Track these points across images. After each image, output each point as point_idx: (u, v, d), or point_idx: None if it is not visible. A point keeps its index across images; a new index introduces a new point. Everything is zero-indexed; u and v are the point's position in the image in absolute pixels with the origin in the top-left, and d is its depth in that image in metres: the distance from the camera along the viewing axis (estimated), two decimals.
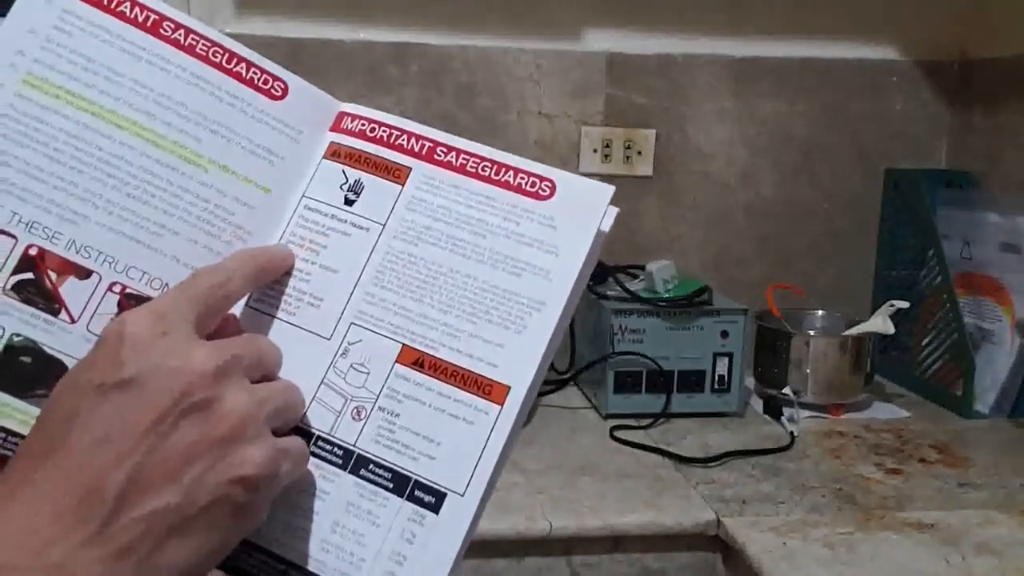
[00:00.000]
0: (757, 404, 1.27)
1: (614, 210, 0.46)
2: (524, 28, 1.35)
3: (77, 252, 0.45)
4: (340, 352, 0.46)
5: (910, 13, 1.42)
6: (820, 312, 1.36)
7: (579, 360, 1.30)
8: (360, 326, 0.46)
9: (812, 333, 1.31)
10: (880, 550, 0.86)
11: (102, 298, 0.45)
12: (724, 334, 1.19)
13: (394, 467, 0.44)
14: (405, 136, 0.49)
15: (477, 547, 0.91)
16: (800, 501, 0.97)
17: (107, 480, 0.37)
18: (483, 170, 0.47)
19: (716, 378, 1.20)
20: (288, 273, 0.47)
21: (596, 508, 0.94)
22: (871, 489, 1.00)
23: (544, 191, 0.46)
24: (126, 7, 0.46)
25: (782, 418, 1.20)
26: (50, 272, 0.45)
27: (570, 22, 1.36)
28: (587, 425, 1.19)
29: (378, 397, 0.45)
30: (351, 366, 0.46)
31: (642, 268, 1.27)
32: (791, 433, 1.15)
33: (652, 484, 1.00)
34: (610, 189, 0.46)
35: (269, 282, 0.47)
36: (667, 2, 1.37)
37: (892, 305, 1.23)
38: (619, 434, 1.14)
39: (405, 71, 1.33)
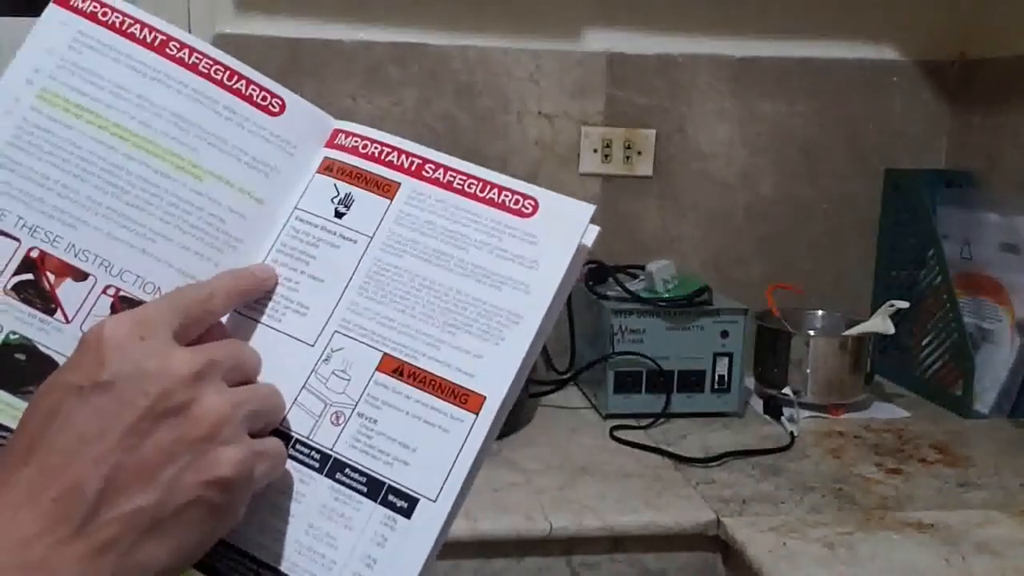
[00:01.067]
0: (757, 404, 1.27)
1: (595, 229, 0.47)
2: (524, 28, 1.35)
3: (75, 255, 0.47)
4: (323, 359, 0.47)
5: (910, 13, 1.42)
6: (820, 312, 1.36)
7: (579, 360, 1.30)
8: (343, 334, 0.47)
9: (812, 333, 1.31)
10: (880, 550, 0.86)
11: (96, 300, 0.47)
12: (724, 334, 1.19)
13: (369, 472, 0.45)
14: (396, 153, 0.51)
15: (477, 547, 0.91)
16: (800, 501, 0.97)
17: (86, 479, 0.38)
18: (469, 187, 0.49)
19: (716, 378, 1.20)
20: (278, 282, 0.49)
21: (596, 508, 0.94)
22: (871, 489, 1.00)
23: (527, 209, 0.48)
24: (136, 28, 0.49)
25: (782, 418, 1.20)
26: (49, 274, 0.47)
27: (570, 22, 1.36)
28: (587, 425, 1.19)
29: (357, 403, 0.46)
30: (333, 372, 0.47)
31: (642, 268, 1.27)
32: (791, 433, 1.15)
33: (652, 484, 1.00)
34: (590, 208, 0.47)
35: (251, 301, 0.48)
36: (667, 2, 1.37)
37: (892, 305, 1.23)
38: (619, 434, 1.14)
39: (405, 71, 1.33)
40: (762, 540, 0.88)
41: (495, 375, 0.45)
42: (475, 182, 0.49)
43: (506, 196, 0.48)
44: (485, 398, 0.45)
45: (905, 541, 0.88)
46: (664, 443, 1.12)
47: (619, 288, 1.23)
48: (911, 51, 1.43)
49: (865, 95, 1.43)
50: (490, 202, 0.48)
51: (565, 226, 0.47)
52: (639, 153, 1.39)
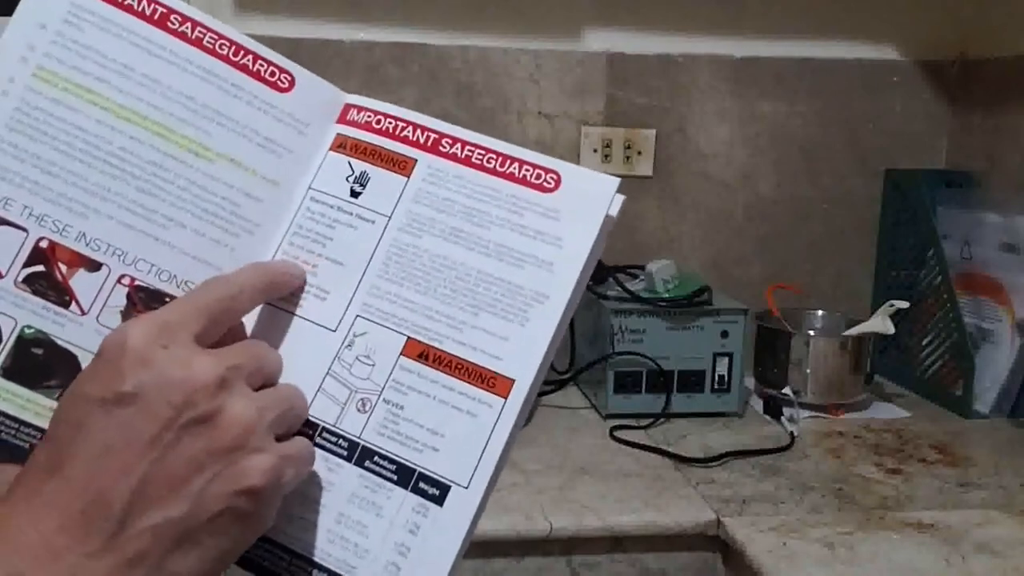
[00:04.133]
0: (757, 404, 1.26)
1: (621, 197, 0.46)
2: (524, 28, 1.35)
3: (87, 245, 0.45)
4: (346, 344, 0.46)
5: (910, 13, 1.42)
6: (820, 312, 1.36)
7: (579, 360, 1.30)
8: (366, 318, 0.46)
9: (812, 333, 1.31)
10: (880, 550, 0.86)
11: (112, 290, 0.46)
12: (724, 334, 1.19)
13: (398, 459, 0.44)
14: (411, 128, 0.49)
15: (477, 547, 0.91)
16: (800, 501, 0.97)
17: (113, 492, 0.37)
18: (488, 162, 0.47)
19: (716, 378, 1.20)
20: (305, 280, 0.47)
21: (596, 508, 0.94)
22: (871, 489, 1.00)
23: (549, 183, 0.46)
24: (134, 1, 0.46)
25: (782, 418, 1.20)
26: (60, 264, 0.45)
27: (570, 22, 1.36)
28: (587, 425, 1.19)
29: (383, 389, 0.45)
30: (356, 358, 0.46)
31: (642, 268, 1.27)
32: (791, 433, 1.15)
33: (652, 484, 1.00)
34: (615, 182, 0.46)
35: (278, 297, 0.47)
36: (667, 2, 1.37)
37: (892, 305, 1.23)
38: (619, 434, 1.14)
39: (405, 71, 1.33)
40: (762, 540, 0.88)
41: (522, 357, 0.44)
42: (494, 156, 0.47)
43: (527, 170, 0.47)
44: (514, 381, 0.44)
45: (905, 541, 0.88)
46: (664, 443, 1.12)
47: (619, 288, 1.23)
48: (911, 51, 1.43)
49: (865, 95, 1.43)
50: (510, 177, 0.47)
51: (589, 201, 0.46)
52: (639, 153, 1.38)
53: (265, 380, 0.43)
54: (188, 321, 0.41)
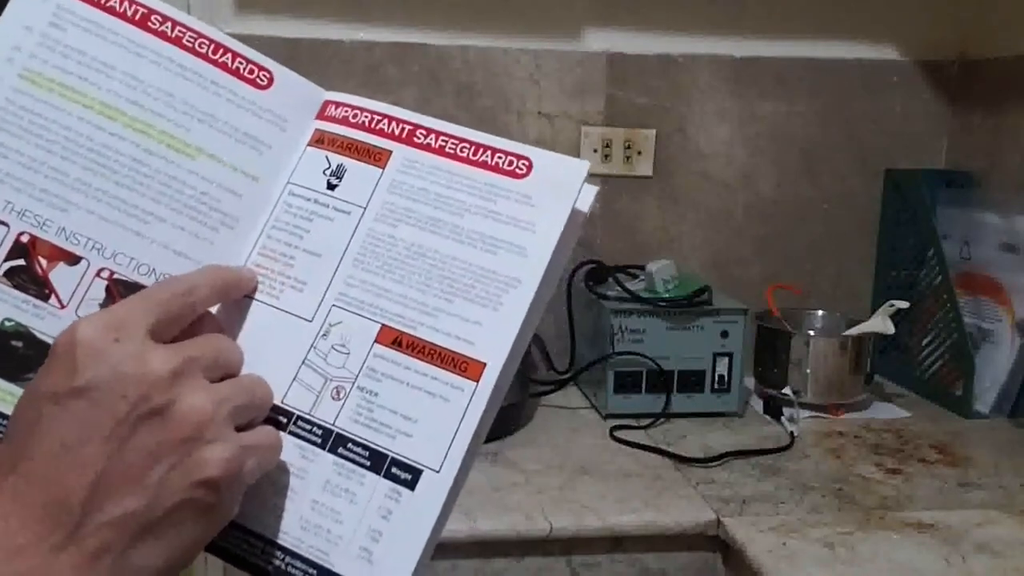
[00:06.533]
0: (757, 404, 1.26)
1: (592, 188, 0.46)
2: (524, 28, 1.35)
3: (67, 239, 0.46)
4: (321, 333, 0.47)
5: (910, 13, 1.42)
6: (820, 312, 1.36)
7: (579, 360, 1.30)
8: (341, 308, 0.47)
9: (812, 333, 1.31)
10: (880, 550, 0.86)
11: (91, 283, 0.46)
12: (724, 334, 1.19)
13: (371, 445, 0.45)
14: (386, 120, 0.50)
15: (477, 547, 0.91)
16: (800, 501, 0.97)
17: (71, 486, 0.38)
18: (462, 151, 0.48)
19: (716, 378, 1.20)
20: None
21: (596, 508, 0.94)
22: (871, 489, 1.00)
23: (521, 169, 0.47)
24: (116, 2, 0.48)
25: (782, 418, 1.20)
26: (41, 259, 0.46)
27: (570, 22, 1.36)
28: (587, 425, 1.19)
29: (357, 377, 0.46)
30: (331, 347, 0.46)
31: (642, 268, 1.26)
32: (791, 433, 1.15)
33: (652, 484, 1.00)
34: (585, 164, 0.47)
35: (234, 298, 0.47)
36: (667, 2, 1.37)
37: (892, 305, 1.23)
38: (619, 434, 1.14)
39: (405, 71, 1.33)
40: (762, 540, 0.88)
41: (494, 341, 0.45)
42: (467, 145, 0.48)
43: (499, 158, 0.48)
44: (485, 365, 0.44)
45: (905, 541, 0.88)
46: (664, 443, 1.12)
47: (619, 288, 1.23)
48: (911, 51, 1.43)
49: (865, 95, 1.42)
50: (483, 165, 0.48)
51: (560, 185, 0.46)
52: (639, 153, 1.38)
53: (225, 372, 0.43)
54: (140, 315, 0.41)
